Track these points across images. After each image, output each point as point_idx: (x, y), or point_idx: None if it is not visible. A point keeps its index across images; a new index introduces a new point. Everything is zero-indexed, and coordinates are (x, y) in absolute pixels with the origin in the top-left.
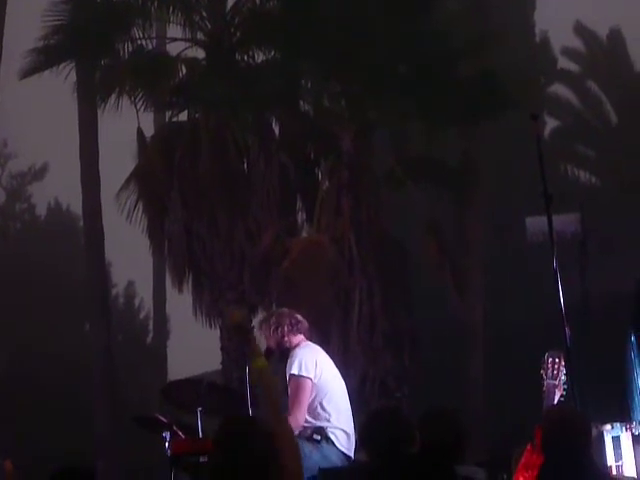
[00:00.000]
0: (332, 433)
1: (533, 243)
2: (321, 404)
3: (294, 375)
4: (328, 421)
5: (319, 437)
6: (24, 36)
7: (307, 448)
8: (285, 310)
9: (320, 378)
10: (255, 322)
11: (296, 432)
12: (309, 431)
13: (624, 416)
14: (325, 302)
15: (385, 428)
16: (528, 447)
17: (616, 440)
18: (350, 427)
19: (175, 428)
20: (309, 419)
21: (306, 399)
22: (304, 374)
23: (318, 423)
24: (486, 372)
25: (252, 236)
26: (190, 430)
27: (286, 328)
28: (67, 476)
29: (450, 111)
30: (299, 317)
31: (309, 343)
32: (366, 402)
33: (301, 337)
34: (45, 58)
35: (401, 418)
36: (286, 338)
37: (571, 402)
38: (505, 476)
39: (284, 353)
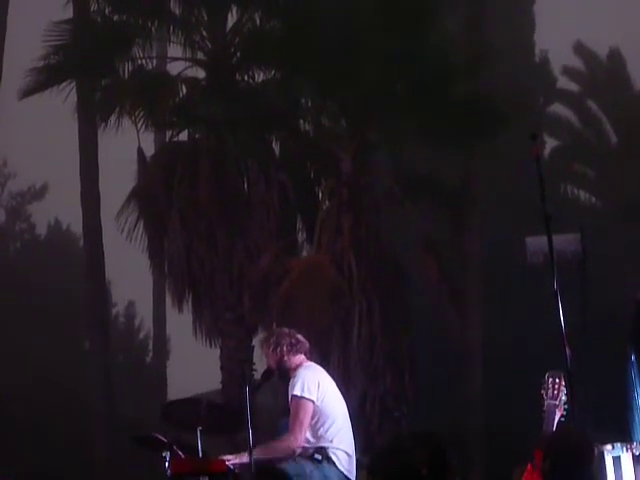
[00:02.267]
0: (333, 454)
1: (533, 263)
2: (323, 426)
3: (296, 396)
4: (330, 442)
5: (320, 457)
6: (24, 55)
7: (308, 467)
8: (285, 330)
9: (323, 400)
10: (255, 341)
11: (296, 452)
12: (310, 450)
13: (625, 436)
14: (325, 322)
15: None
16: (528, 467)
17: (617, 460)
18: (351, 448)
19: (175, 448)
20: (311, 439)
21: (307, 420)
22: (306, 395)
23: (320, 443)
24: (485, 391)
25: (251, 256)
26: (190, 450)
27: (285, 348)
28: None
29: (449, 130)
30: (300, 337)
31: (311, 364)
32: (366, 421)
33: (302, 357)
34: (46, 78)
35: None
36: (285, 357)
37: (571, 422)
38: None
39: (284, 373)
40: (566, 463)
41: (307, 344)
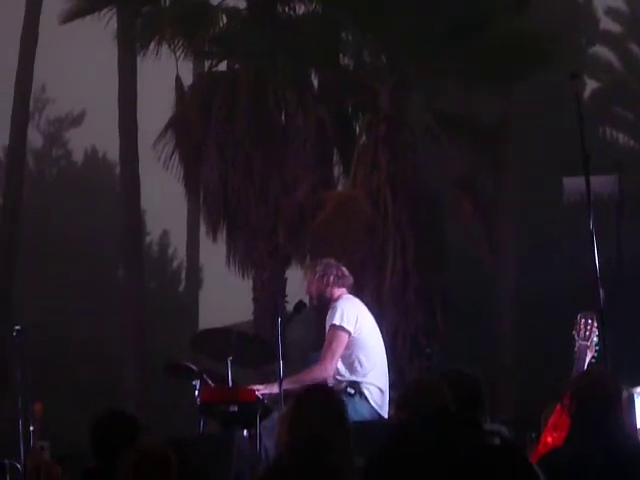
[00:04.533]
0: (366, 388)
1: (570, 203)
2: (359, 359)
3: (334, 325)
4: (364, 376)
5: (353, 391)
6: None
7: None
8: (332, 261)
9: (360, 334)
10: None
11: (325, 382)
12: (344, 384)
13: None
14: (359, 256)
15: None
16: (558, 407)
17: None
18: (385, 384)
19: (205, 377)
20: (345, 373)
21: (339, 351)
22: (345, 326)
23: (353, 377)
24: (517, 331)
25: (287, 188)
26: (220, 379)
27: (332, 278)
28: (112, 419)
29: (489, 68)
30: (346, 271)
31: (351, 296)
32: (397, 358)
33: (343, 290)
34: (87, 3)
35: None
36: (329, 288)
37: (602, 364)
38: (534, 435)
39: (323, 304)
40: (593, 404)
41: (351, 279)
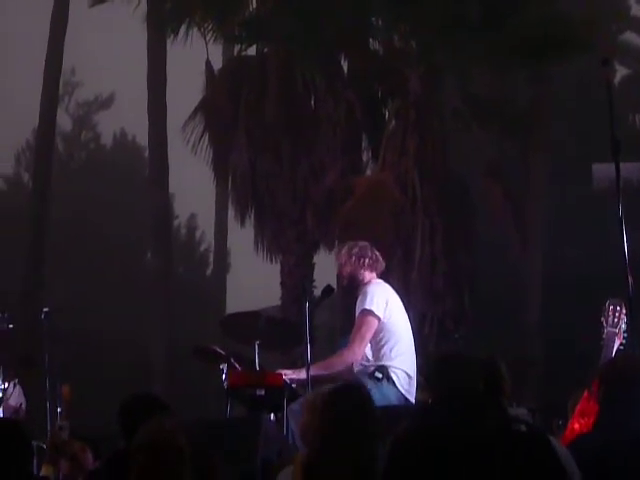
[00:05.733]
0: (394, 373)
1: (599, 190)
2: (387, 344)
3: (364, 310)
4: (392, 361)
5: (381, 375)
6: None
7: (367, 385)
8: (368, 244)
9: (389, 319)
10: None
11: (353, 366)
12: (372, 368)
13: None
14: (387, 241)
15: (454, 371)
16: (585, 394)
17: None
18: (413, 369)
19: (232, 360)
20: (372, 357)
21: (369, 335)
22: (374, 311)
23: (381, 362)
24: (545, 318)
25: (316, 173)
26: (247, 363)
27: (366, 261)
28: (139, 402)
29: (520, 54)
30: (379, 256)
31: (381, 281)
32: (424, 343)
33: (374, 275)
34: None
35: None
36: (362, 271)
37: (630, 350)
38: (561, 422)
39: (353, 286)
40: (621, 391)
41: (384, 265)
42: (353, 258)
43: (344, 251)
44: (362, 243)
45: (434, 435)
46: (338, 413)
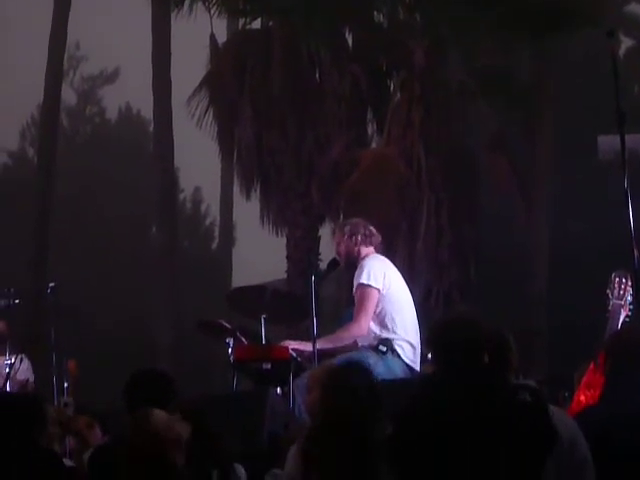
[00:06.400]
0: (399, 345)
1: (605, 161)
2: (389, 316)
3: (362, 284)
4: (395, 333)
5: (385, 348)
6: None
7: (372, 359)
8: (360, 220)
9: (389, 290)
10: (322, 232)
11: (361, 340)
12: (375, 342)
13: None
14: (392, 214)
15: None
16: (591, 366)
17: None
18: (417, 340)
19: (239, 334)
20: (376, 330)
21: (372, 308)
22: (372, 284)
23: (385, 334)
24: (550, 290)
25: (321, 146)
26: (253, 337)
27: (359, 238)
28: (145, 377)
29: (525, 26)
30: (373, 230)
31: (378, 255)
32: (430, 314)
33: (371, 249)
34: None
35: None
36: (357, 248)
37: (636, 322)
38: (567, 394)
39: (351, 263)
40: (627, 363)
41: (379, 238)
42: (346, 236)
43: (338, 231)
44: (354, 220)
45: (437, 410)
46: (343, 389)
